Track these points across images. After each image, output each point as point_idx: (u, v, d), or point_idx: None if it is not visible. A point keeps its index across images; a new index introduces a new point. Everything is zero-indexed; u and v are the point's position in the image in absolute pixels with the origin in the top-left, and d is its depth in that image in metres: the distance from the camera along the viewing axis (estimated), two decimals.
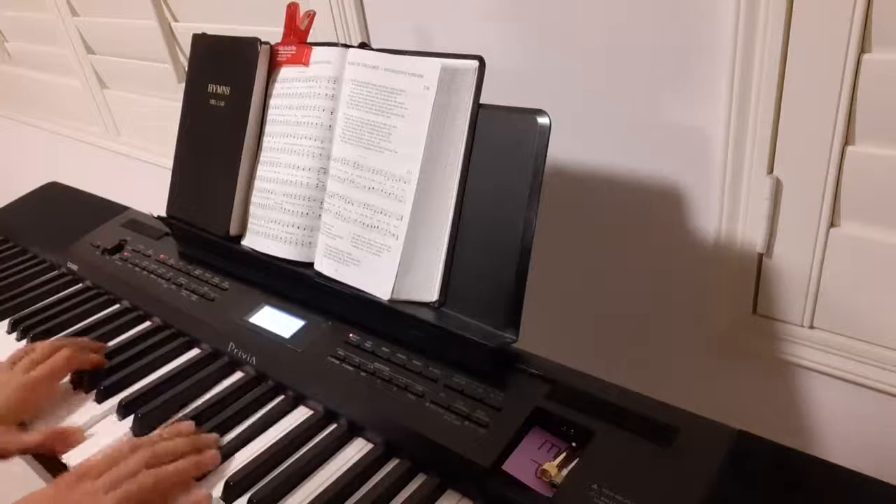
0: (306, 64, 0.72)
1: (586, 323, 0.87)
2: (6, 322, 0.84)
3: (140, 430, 0.64)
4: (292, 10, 0.74)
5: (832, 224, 0.62)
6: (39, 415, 0.67)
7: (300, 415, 0.63)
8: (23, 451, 0.63)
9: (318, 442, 0.59)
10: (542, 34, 0.73)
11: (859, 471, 0.46)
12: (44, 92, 1.82)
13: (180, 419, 0.63)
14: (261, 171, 0.76)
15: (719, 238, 0.69)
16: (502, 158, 0.59)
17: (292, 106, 0.73)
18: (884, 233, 0.59)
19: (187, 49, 0.85)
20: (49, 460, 0.64)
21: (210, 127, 0.80)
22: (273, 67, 0.75)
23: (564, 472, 0.50)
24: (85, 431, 0.65)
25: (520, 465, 0.51)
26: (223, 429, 0.61)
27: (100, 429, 0.65)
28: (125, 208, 1.00)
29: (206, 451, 0.58)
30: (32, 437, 0.63)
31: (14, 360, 0.70)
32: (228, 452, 0.59)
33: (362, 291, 0.65)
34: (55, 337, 0.78)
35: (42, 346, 0.71)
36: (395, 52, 0.64)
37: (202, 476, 0.57)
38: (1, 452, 0.62)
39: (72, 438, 0.63)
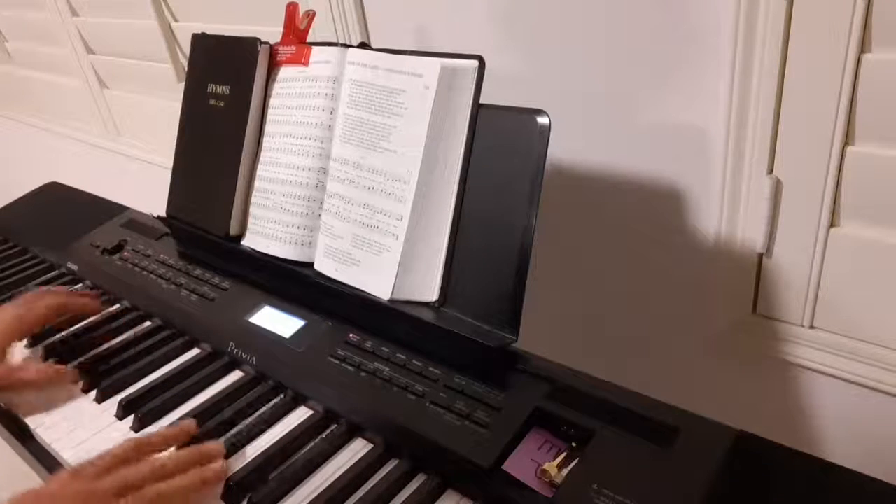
0: (306, 64, 0.72)
1: (586, 323, 0.87)
2: None
3: (140, 430, 0.64)
4: (292, 10, 0.74)
5: (832, 224, 0.62)
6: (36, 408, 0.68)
7: (300, 415, 0.63)
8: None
9: (318, 442, 0.59)
10: (542, 34, 0.73)
11: (859, 471, 0.46)
12: (44, 92, 1.82)
13: (180, 419, 0.63)
14: (261, 171, 0.76)
15: (719, 238, 0.69)
16: (502, 158, 0.59)
17: (292, 106, 0.73)
18: (884, 233, 0.59)
19: (187, 49, 0.85)
20: (48, 459, 0.64)
21: (210, 127, 0.80)
22: (273, 67, 0.75)
23: (564, 472, 0.50)
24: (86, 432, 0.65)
25: (520, 465, 0.51)
26: (223, 429, 0.61)
27: (100, 429, 0.65)
28: (125, 208, 1.00)
29: (211, 463, 0.57)
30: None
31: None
32: (229, 452, 0.59)
33: (362, 291, 0.65)
34: (53, 338, 0.79)
35: (35, 293, 0.78)
36: (394, 52, 0.64)
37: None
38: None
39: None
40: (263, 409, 0.63)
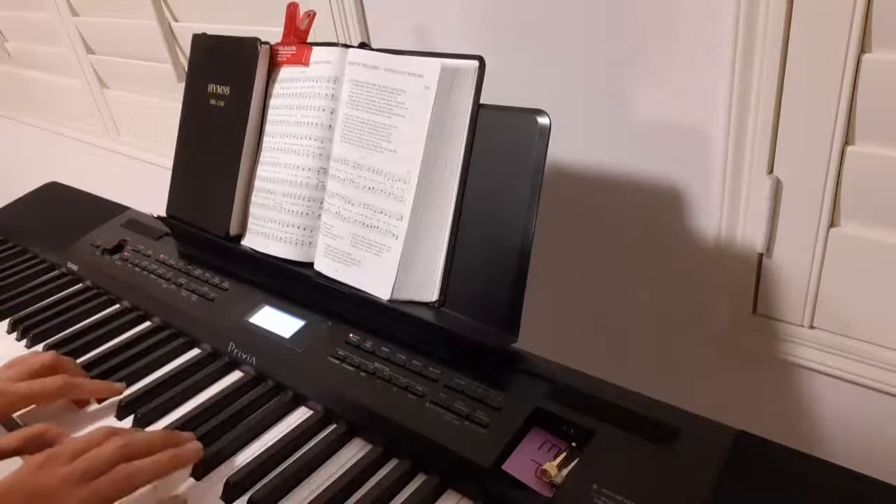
0: (306, 64, 0.72)
1: (586, 323, 0.87)
2: (6, 322, 0.84)
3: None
4: (292, 10, 0.74)
5: (832, 224, 0.62)
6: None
7: (300, 415, 0.63)
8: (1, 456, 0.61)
9: (318, 442, 0.59)
10: (542, 34, 0.73)
11: (859, 471, 0.46)
12: (44, 92, 1.82)
13: (180, 419, 0.63)
14: (261, 171, 0.76)
15: (719, 238, 0.69)
16: (502, 158, 0.59)
17: (292, 106, 0.73)
18: (884, 233, 0.59)
19: (187, 49, 0.85)
20: None
21: (210, 127, 0.80)
22: (273, 67, 0.75)
23: (564, 472, 0.50)
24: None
25: (520, 465, 0.51)
26: (223, 429, 0.61)
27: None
28: (125, 208, 1.00)
29: (185, 444, 0.57)
30: (10, 440, 0.60)
31: (10, 365, 0.67)
32: (228, 453, 0.59)
33: (362, 291, 0.65)
34: (53, 339, 0.79)
35: (43, 359, 0.68)
36: (395, 52, 0.64)
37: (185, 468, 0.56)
38: None
39: (54, 440, 0.60)
40: (263, 409, 0.63)
